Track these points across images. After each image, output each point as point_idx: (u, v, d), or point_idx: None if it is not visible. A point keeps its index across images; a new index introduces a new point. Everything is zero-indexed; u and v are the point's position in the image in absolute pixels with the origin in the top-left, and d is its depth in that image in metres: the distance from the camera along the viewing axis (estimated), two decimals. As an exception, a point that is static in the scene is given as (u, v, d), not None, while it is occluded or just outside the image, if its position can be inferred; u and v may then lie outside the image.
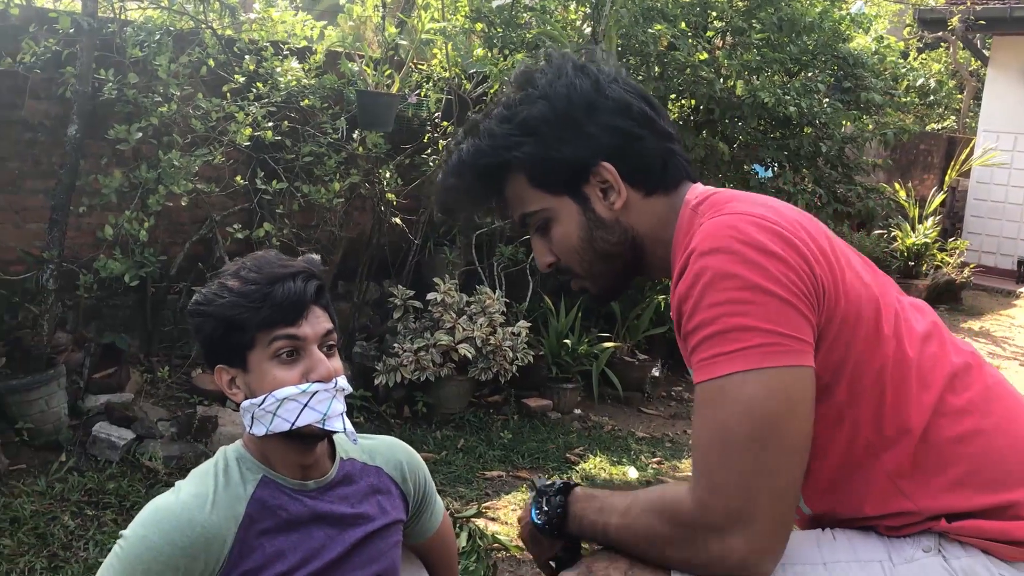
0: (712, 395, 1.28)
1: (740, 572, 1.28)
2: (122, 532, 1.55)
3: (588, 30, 5.63)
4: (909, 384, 1.35)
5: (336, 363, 1.60)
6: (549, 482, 1.55)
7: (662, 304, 5.83)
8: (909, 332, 1.39)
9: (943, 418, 1.34)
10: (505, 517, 3.91)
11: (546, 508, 1.52)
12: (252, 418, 1.58)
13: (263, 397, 1.55)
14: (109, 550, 3.22)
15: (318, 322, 1.58)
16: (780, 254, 1.28)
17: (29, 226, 4.48)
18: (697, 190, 1.48)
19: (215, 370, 1.61)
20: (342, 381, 1.60)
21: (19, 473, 3.80)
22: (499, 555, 3.55)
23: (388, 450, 1.79)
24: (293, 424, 1.54)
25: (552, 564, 1.61)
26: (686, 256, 1.33)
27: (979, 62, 13.62)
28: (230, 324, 1.55)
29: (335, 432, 1.58)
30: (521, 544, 3.59)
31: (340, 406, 1.58)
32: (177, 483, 1.61)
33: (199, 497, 1.54)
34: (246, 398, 1.58)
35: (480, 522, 3.74)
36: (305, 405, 1.54)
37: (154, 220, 4.10)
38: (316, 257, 1.58)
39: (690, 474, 1.34)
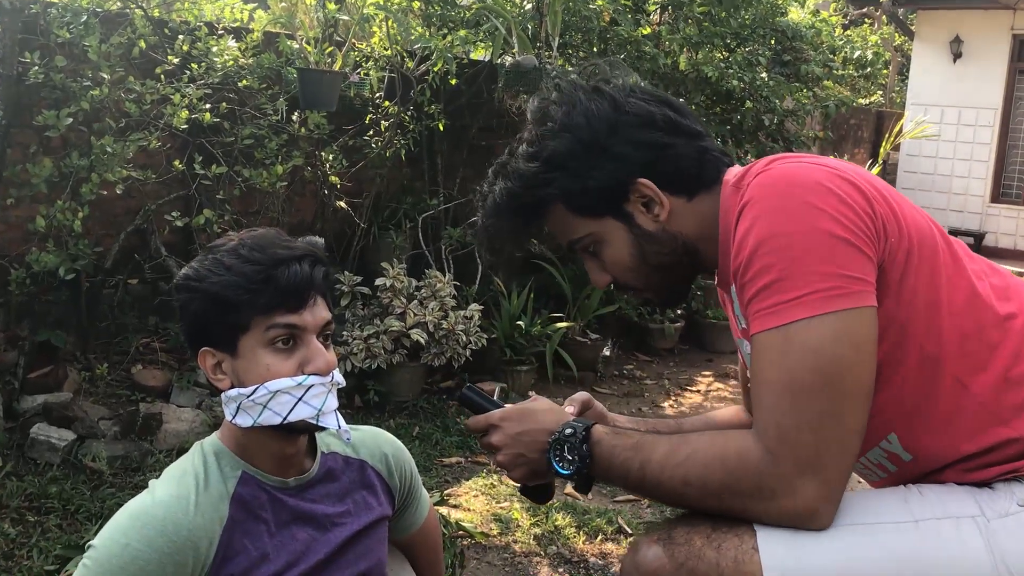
0: (776, 343, 1.25)
1: (806, 522, 1.25)
2: (91, 543, 1.39)
3: (529, 5, 5.52)
4: (985, 318, 1.34)
5: (332, 355, 1.47)
6: (568, 430, 1.45)
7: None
8: (966, 267, 1.38)
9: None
10: (468, 504, 3.81)
11: (571, 457, 1.44)
12: (238, 408, 1.44)
13: (253, 388, 1.41)
14: (55, 556, 3.12)
15: (319, 311, 1.45)
16: (836, 192, 1.26)
17: (-49, 221, 4.25)
18: (734, 170, 1.46)
19: (199, 353, 1.47)
20: (337, 375, 1.47)
21: (-47, 481, 3.61)
22: (464, 543, 3.46)
23: (373, 442, 1.67)
24: (285, 419, 1.42)
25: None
26: (740, 208, 1.29)
27: (904, 37, 13.81)
28: (225, 305, 1.41)
29: (328, 428, 1.46)
30: (486, 531, 3.53)
31: (334, 402, 1.46)
32: (151, 483, 1.47)
33: (181, 499, 1.41)
34: (232, 386, 1.45)
35: (443, 510, 3.64)
36: (299, 399, 1.41)
37: (88, 210, 3.89)
38: (319, 240, 1.45)
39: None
